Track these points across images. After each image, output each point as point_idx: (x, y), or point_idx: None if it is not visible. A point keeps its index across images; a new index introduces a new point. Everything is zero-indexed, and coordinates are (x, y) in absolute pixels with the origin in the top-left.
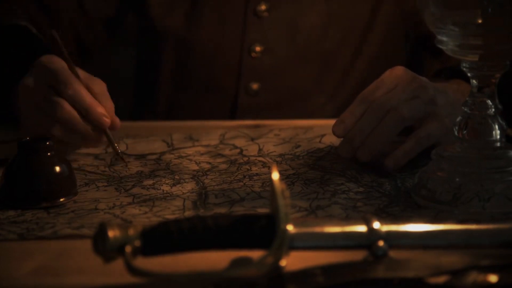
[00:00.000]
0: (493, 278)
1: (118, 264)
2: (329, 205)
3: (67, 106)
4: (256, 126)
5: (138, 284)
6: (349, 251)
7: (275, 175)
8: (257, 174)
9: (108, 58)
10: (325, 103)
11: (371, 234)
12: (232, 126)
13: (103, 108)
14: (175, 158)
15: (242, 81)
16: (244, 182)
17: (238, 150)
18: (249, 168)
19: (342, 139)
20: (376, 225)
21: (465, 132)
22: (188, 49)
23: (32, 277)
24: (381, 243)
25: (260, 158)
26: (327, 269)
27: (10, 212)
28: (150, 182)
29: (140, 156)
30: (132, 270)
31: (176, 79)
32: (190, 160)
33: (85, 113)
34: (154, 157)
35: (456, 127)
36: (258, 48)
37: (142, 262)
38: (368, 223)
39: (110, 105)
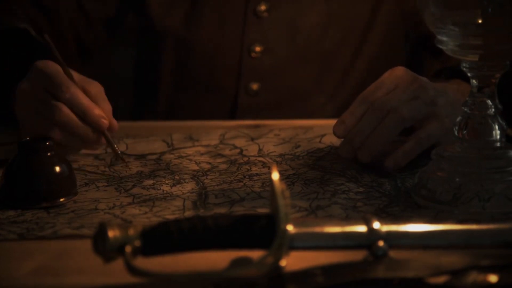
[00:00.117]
0: (493, 278)
1: (118, 264)
2: (329, 205)
3: (65, 110)
4: (256, 126)
5: (138, 284)
6: (349, 251)
7: (275, 175)
8: (257, 174)
9: (108, 58)
10: (325, 103)
11: (371, 234)
12: (232, 126)
13: (101, 110)
14: (175, 158)
15: (242, 81)
16: (244, 182)
17: (238, 150)
18: (249, 168)
19: (342, 139)
20: (376, 225)
21: (465, 132)
22: (188, 49)
23: (32, 277)
24: (381, 243)
25: (260, 158)
26: (327, 269)
27: (10, 212)
28: (150, 182)
29: (140, 156)
30: (132, 270)
31: (176, 79)
32: (190, 160)
33: (83, 115)
34: (154, 157)
35: (456, 127)
36: (258, 48)
37: (142, 262)
38: (368, 223)
39: (107, 106)
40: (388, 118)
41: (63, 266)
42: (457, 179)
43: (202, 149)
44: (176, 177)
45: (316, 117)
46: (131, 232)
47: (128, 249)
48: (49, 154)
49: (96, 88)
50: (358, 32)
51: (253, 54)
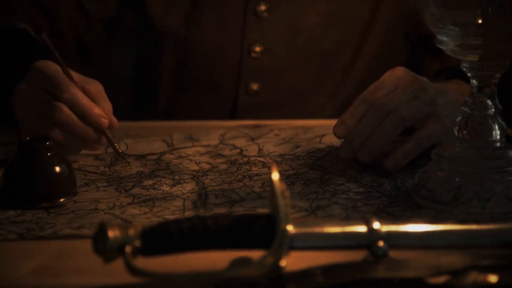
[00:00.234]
0: (493, 278)
1: (118, 264)
2: (329, 205)
3: (65, 110)
4: (256, 126)
5: (138, 284)
6: (349, 251)
7: (275, 175)
8: (257, 174)
9: (108, 58)
10: (325, 103)
11: (371, 234)
12: (232, 126)
13: (101, 109)
14: (175, 158)
15: (242, 81)
16: (244, 182)
17: (238, 150)
18: (249, 168)
19: (342, 140)
20: (376, 225)
21: (465, 132)
22: (188, 49)
23: (32, 277)
24: (381, 243)
25: (260, 158)
26: (327, 269)
27: (10, 212)
28: (150, 182)
29: (140, 156)
30: (132, 270)
31: (176, 79)
32: (190, 160)
33: (83, 115)
34: (154, 157)
35: (456, 127)
36: (258, 48)
37: (142, 262)
38: (368, 223)
39: (108, 105)
40: (388, 119)
41: (63, 266)
42: (457, 179)
43: (202, 149)
44: (176, 177)
45: (316, 117)
46: (131, 232)
47: (128, 249)
48: (49, 154)
49: (96, 87)
50: (358, 32)
51: (253, 54)
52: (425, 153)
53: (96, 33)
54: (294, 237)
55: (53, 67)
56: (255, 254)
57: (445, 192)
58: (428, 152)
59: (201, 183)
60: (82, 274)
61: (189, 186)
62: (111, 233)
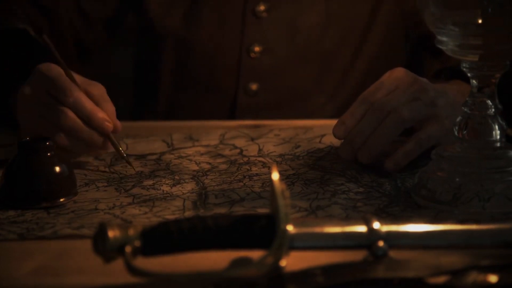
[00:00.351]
0: (493, 278)
1: (118, 264)
2: (329, 205)
3: (71, 114)
4: (256, 126)
5: (138, 284)
6: (349, 251)
7: (275, 175)
8: (257, 174)
9: (108, 58)
10: (325, 103)
11: (371, 234)
12: (232, 126)
13: (104, 113)
14: (175, 158)
15: (241, 82)
16: (244, 182)
17: (238, 150)
18: (249, 168)
19: (342, 140)
20: (376, 225)
21: (465, 132)
22: (187, 49)
23: (32, 277)
24: (381, 243)
25: (260, 158)
26: (327, 269)
27: (10, 212)
28: (150, 182)
29: (140, 156)
30: (132, 270)
31: (176, 79)
32: (190, 160)
33: (87, 119)
34: (154, 157)
35: (456, 127)
36: (257, 49)
37: (142, 262)
38: (368, 223)
39: (111, 108)
40: (388, 119)
41: (63, 266)
42: (457, 179)
43: (202, 149)
44: (176, 177)
45: (316, 117)
46: (131, 232)
47: (128, 249)
48: (49, 154)
49: (99, 90)
50: (358, 32)
51: (252, 54)
52: (425, 153)
53: (96, 33)
54: (294, 237)
55: (56, 70)
56: (255, 254)
57: (445, 192)
58: (428, 152)
59: (201, 183)
60: (82, 274)
61: (189, 186)
62: (111, 233)
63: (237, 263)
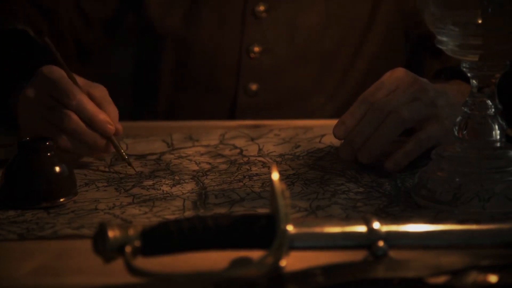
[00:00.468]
0: (493, 278)
1: (118, 264)
2: (329, 205)
3: (74, 117)
4: (256, 126)
5: (138, 284)
6: (349, 251)
7: (275, 175)
8: (257, 174)
9: (108, 59)
10: (325, 103)
11: (371, 234)
12: (232, 126)
13: (106, 115)
14: (175, 158)
15: (241, 82)
16: (244, 182)
17: (238, 150)
18: (249, 168)
19: (342, 140)
20: (376, 225)
21: (465, 132)
22: (187, 49)
23: (32, 277)
24: (381, 243)
25: (260, 158)
26: (327, 269)
27: (10, 212)
28: (150, 182)
29: (140, 156)
30: (132, 270)
31: (176, 79)
32: (190, 160)
33: (89, 122)
34: (154, 157)
35: (456, 127)
36: (256, 49)
37: (142, 262)
38: (368, 223)
39: (114, 110)
40: (388, 119)
41: (63, 266)
42: (457, 179)
43: (202, 149)
44: (176, 177)
45: (316, 117)
46: (131, 232)
47: (128, 249)
48: (49, 154)
49: (101, 92)
50: (357, 32)
51: (252, 55)
52: (425, 153)
53: (96, 33)
54: (294, 237)
55: (58, 73)
56: (255, 254)
57: (445, 192)
58: (428, 152)
59: (201, 183)
60: (82, 274)
61: (189, 186)
62: (111, 233)
63: (237, 263)
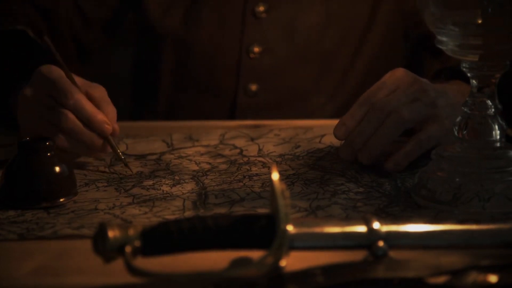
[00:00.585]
0: (493, 278)
1: (118, 264)
2: (329, 205)
3: (71, 116)
4: (256, 126)
5: (138, 284)
6: (349, 251)
7: (275, 176)
8: (257, 175)
9: (108, 59)
10: (325, 103)
11: (371, 234)
12: (232, 126)
13: (104, 115)
14: (175, 158)
15: (241, 82)
16: (244, 182)
17: (238, 150)
18: (249, 168)
19: (343, 141)
20: (376, 225)
21: (465, 132)
22: (187, 50)
23: (32, 277)
24: (381, 243)
25: (260, 159)
26: (327, 269)
27: (10, 212)
28: (150, 182)
29: (140, 156)
30: (132, 270)
31: (176, 79)
32: (190, 160)
33: (87, 121)
34: (154, 157)
35: (456, 127)
36: (256, 49)
37: (142, 262)
38: (368, 223)
39: (112, 110)
40: (388, 120)
41: (63, 266)
42: (457, 179)
43: (202, 149)
44: (176, 177)
45: (316, 117)
46: (131, 232)
47: (128, 249)
48: (49, 154)
49: (100, 92)
50: (357, 32)
51: (251, 55)
52: (425, 153)
53: (96, 33)
54: (294, 237)
55: (57, 72)
56: (255, 254)
57: (445, 192)
58: (428, 152)
59: (201, 183)
60: (82, 274)
61: (189, 186)
62: (111, 233)
63: (237, 263)
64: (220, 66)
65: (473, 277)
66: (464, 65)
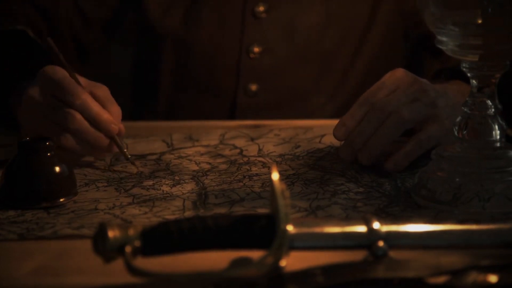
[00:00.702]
0: (493, 278)
1: (118, 264)
2: (329, 205)
3: (78, 116)
4: (256, 126)
5: (138, 284)
6: (349, 251)
7: (275, 176)
8: (257, 175)
9: (108, 58)
10: (325, 103)
11: (371, 234)
12: (232, 126)
13: (110, 115)
14: (175, 158)
15: (241, 82)
16: (244, 182)
17: (238, 150)
18: (249, 168)
19: (343, 141)
20: (376, 225)
21: (465, 132)
22: (187, 50)
23: (32, 277)
24: (381, 243)
25: (260, 159)
26: (327, 269)
27: (10, 212)
28: (150, 182)
29: (140, 156)
30: (132, 270)
31: (176, 79)
32: (190, 160)
33: (93, 121)
34: (154, 157)
35: (456, 127)
36: (256, 49)
37: (142, 262)
38: (368, 223)
39: (117, 109)
40: (388, 120)
41: (63, 266)
42: (457, 179)
43: (202, 149)
44: (176, 177)
45: (316, 117)
46: (131, 232)
47: (128, 249)
48: (49, 154)
49: (104, 91)
50: (357, 32)
51: (251, 55)
52: (425, 153)
53: (95, 33)
54: (294, 237)
55: (61, 73)
56: (255, 254)
57: (445, 192)
58: (428, 152)
59: (201, 183)
60: (82, 274)
61: (189, 186)
62: (111, 233)
63: (237, 263)
64: (220, 66)
65: (473, 277)
66: (464, 65)
